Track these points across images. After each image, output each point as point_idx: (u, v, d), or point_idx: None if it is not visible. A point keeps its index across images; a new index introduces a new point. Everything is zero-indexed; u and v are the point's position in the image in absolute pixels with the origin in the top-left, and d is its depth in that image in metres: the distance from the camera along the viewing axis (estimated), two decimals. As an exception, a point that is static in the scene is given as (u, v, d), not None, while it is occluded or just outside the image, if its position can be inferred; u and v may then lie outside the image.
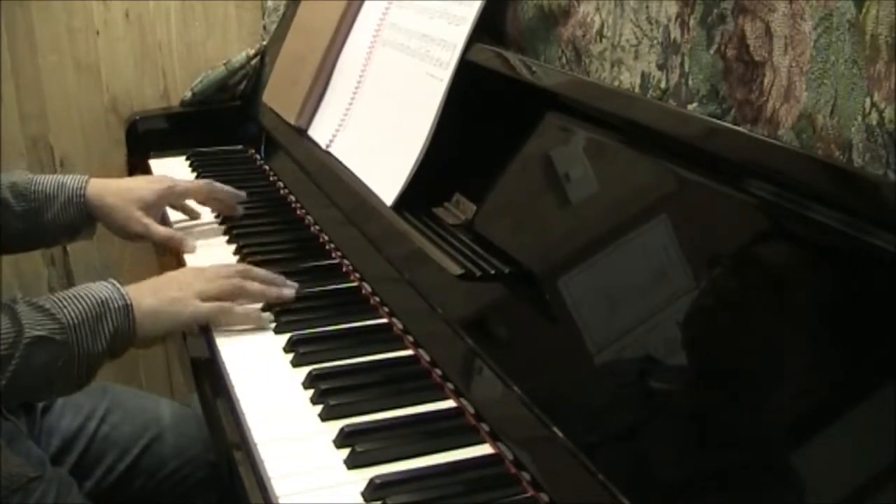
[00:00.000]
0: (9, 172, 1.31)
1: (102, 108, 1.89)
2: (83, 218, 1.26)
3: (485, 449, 0.80)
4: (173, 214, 1.37)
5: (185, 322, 1.02)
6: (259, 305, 1.05)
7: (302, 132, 1.44)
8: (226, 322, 1.02)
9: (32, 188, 1.24)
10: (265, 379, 0.93)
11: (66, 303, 0.94)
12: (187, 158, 1.69)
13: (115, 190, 1.28)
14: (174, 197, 1.33)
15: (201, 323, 1.03)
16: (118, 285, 0.98)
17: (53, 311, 0.92)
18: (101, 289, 0.97)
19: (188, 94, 1.81)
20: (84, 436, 1.16)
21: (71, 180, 1.26)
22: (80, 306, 0.94)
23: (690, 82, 0.90)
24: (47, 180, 1.26)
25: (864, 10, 0.69)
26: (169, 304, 1.00)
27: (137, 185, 1.31)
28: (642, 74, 0.97)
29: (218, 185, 1.35)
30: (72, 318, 0.92)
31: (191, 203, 1.37)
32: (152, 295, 1.00)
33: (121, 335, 0.95)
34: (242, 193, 1.36)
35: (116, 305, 0.95)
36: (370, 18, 1.37)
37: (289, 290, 1.06)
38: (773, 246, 0.69)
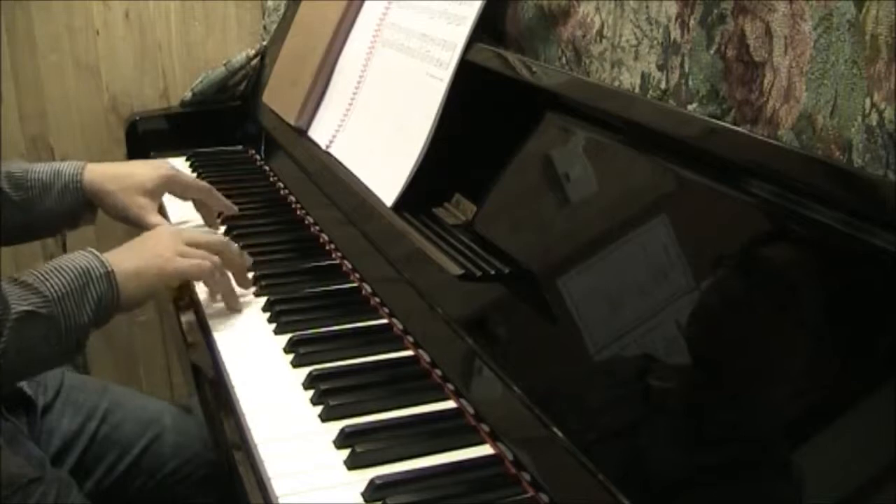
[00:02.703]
0: (4, 162, 1.30)
1: (102, 108, 1.89)
2: (81, 204, 1.24)
3: (485, 449, 0.80)
4: (173, 216, 1.37)
5: (169, 276, 1.03)
6: (234, 283, 1.09)
7: (302, 132, 1.44)
8: (205, 281, 1.06)
9: (28, 177, 1.22)
10: (265, 379, 0.93)
11: (48, 276, 0.93)
12: (187, 159, 1.69)
13: (114, 175, 1.26)
14: (175, 186, 1.29)
15: (183, 279, 1.06)
16: (97, 253, 0.98)
17: (37, 286, 0.91)
18: (80, 258, 0.96)
19: (188, 95, 1.81)
20: (84, 436, 1.16)
21: (67, 167, 1.24)
22: (62, 278, 0.93)
23: (690, 83, 0.90)
24: (43, 168, 1.24)
25: (864, 11, 0.69)
26: (150, 259, 1.01)
27: (137, 171, 1.28)
28: (642, 75, 0.97)
29: (216, 193, 1.33)
30: (56, 291, 0.92)
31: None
32: (132, 255, 1.01)
33: (105, 303, 0.96)
34: (235, 208, 1.35)
35: (98, 274, 0.95)
36: (370, 18, 1.37)
37: (250, 282, 1.11)
38: (772, 246, 0.69)
